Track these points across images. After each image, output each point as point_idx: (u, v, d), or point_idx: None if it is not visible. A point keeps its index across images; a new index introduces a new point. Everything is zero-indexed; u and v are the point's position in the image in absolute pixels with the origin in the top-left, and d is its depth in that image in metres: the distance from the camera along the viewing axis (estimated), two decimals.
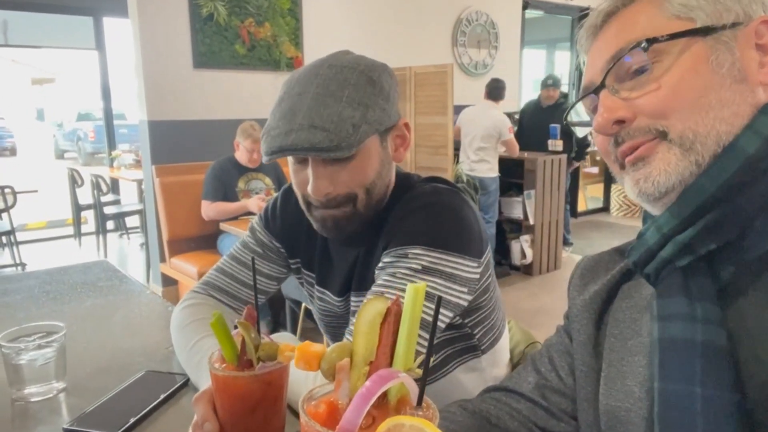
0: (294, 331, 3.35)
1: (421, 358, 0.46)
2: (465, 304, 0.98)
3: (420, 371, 0.45)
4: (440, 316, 0.94)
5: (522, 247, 5.01)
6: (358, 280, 1.07)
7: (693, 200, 0.59)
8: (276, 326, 3.69)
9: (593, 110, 0.68)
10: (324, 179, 0.95)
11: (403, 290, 0.90)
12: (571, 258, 5.52)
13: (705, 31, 0.60)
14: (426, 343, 0.90)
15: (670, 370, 0.57)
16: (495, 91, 4.84)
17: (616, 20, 0.66)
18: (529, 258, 5.01)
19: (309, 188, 0.96)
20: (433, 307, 0.91)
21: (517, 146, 5.06)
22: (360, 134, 0.92)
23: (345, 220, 1.00)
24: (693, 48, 0.60)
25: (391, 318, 0.47)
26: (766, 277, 0.56)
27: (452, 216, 0.97)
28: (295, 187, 1.03)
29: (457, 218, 0.98)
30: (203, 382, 0.93)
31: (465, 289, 0.96)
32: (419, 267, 0.93)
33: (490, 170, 4.86)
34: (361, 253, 1.07)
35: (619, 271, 0.75)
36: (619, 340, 0.70)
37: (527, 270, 5.05)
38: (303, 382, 0.84)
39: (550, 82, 5.51)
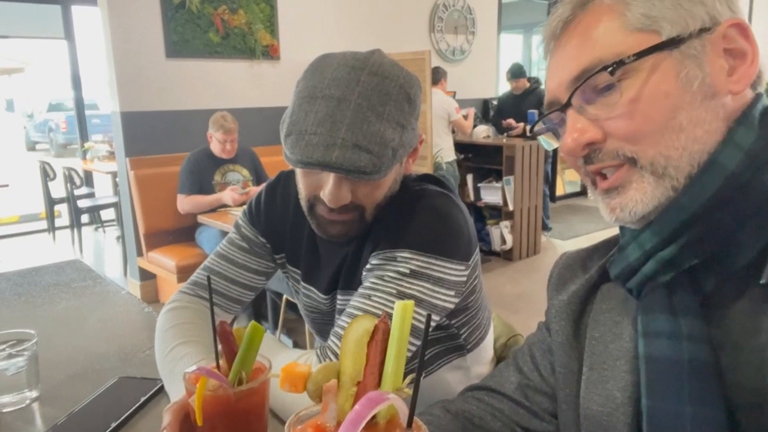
0: (275, 323, 3.33)
1: (410, 377, 0.44)
2: (452, 306, 0.98)
3: (409, 391, 0.44)
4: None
5: (502, 233, 5.04)
6: (345, 279, 1.06)
7: (675, 219, 0.57)
8: (258, 318, 3.66)
9: (560, 122, 0.66)
10: (344, 191, 0.93)
11: (390, 294, 0.91)
12: (550, 242, 5.57)
13: (672, 44, 0.57)
14: (415, 349, 0.91)
15: (658, 389, 0.57)
16: (434, 76, 4.88)
17: (576, 29, 0.62)
18: (509, 244, 5.04)
19: (326, 196, 0.93)
20: (424, 314, 0.92)
21: (466, 125, 5.08)
22: (396, 157, 0.92)
23: (349, 225, 0.98)
24: (662, 65, 0.57)
25: (379, 336, 0.45)
26: (750, 286, 0.56)
27: (441, 220, 0.97)
28: (300, 185, 1.00)
29: (446, 222, 0.97)
30: (175, 390, 0.91)
31: (452, 293, 0.96)
32: (407, 271, 0.92)
33: (447, 154, 4.90)
34: (349, 252, 1.05)
35: (597, 270, 0.74)
36: (601, 343, 0.69)
37: (507, 255, 5.08)
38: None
39: (509, 76, 5.54)
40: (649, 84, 0.57)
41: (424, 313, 0.93)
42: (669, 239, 0.58)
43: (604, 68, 0.58)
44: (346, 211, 0.96)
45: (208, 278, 0.78)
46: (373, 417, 0.42)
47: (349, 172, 0.88)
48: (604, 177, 0.62)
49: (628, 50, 0.58)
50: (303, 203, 1.01)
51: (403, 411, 0.43)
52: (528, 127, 5.36)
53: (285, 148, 0.92)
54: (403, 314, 0.44)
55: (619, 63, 0.57)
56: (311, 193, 0.97)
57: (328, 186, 0.92)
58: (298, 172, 0.99)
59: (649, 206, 0.59)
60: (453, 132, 5.10)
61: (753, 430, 0.53)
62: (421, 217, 0.96)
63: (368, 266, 0.97)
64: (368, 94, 0.90)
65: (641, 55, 0.57)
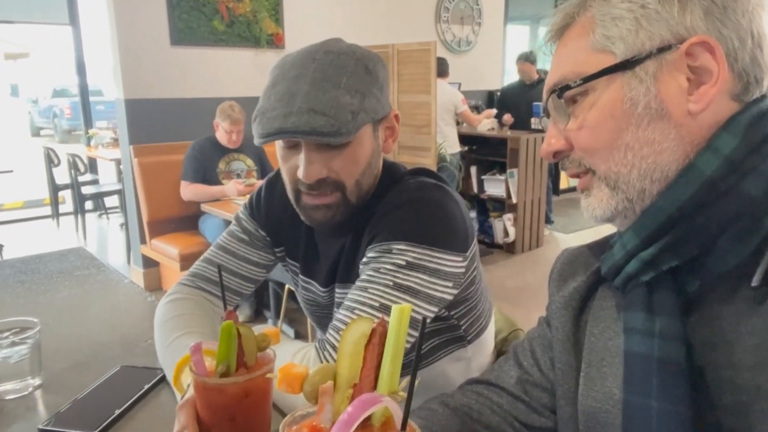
0: (278, 313, 3.35)
1: (406, 380, 0.45)
2: (450, 298, 0.98)
3: (404, 394, 0.44)
4: (425, 312, 0.95)
5: (505, 226, 5.03)
6: (343, 272, 1.07)
7: (653, 221, 0.59)
8: (260, 307, 3.68)
9: None
10: (317, 164, 0.94)
11: (387, 285, 0.91)
12: (552, 236, 5.56)
13: (623, 66, 0.59)
14: (413, 341, 0.91)
15: (632, 383, 0.59)
16: (440, 68, 4.86)
17: (561, 42, 0.66)
18: (512, 236, 5.03)
19: (300, 173, 0.95)
20: (422, 306, 0.92)
21: (473, 117, 5.07)
22: (358, 121, 0.92)
23: (334, 209, 0.99)
24: (612, 87, 0.60)
25: (376, 339, 0.45)
26: (741, 288, 0.56)
27: (437, 211, 0.97)
28: (284, 174, 1.02)
29: (441, 214, 0.97)
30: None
31: (450, 284, 0.96)
32: (403, 262, 0.92)
33: (452, 146, 4.90)
34: (346, 244, 1.06)
35: (598, 267, 0.74)
36: (600, 340, 0.70)
37: (510, 248, 5.08)
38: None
39: (521, 56, 5.52)
40: (597, 106, 0.61)
41: (422, 304, 0.93)
42: (648, 240, 0.60)
43: (552, 91, 0.64)
44: (327, 191, 0.97)
45: (219, 267, 0.79)
46: (368, 419, 0.42)
47: (306, 135, 0.89)
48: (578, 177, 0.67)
49: (586, 70, 0.61)
50: (291, 196, 1.03)
51: (398, 414, 0.43)
52: (534, 119, 5.34)
53: (253, 132, 0.96)
54: (399, 318, 0.44)
55: (564, 87, 0.62)
56: (292, 180, 0.99)
57: (302, 161, 0.94)
58: (279, 162, 1.01)
59: (607, 212, 0.64)
60: (458, 124, 5.08)
61: (740, 430, 0.54)
62: (417, 209, 0.97)
63: (365, 259, 0.98)
64: (324, 68, 0.93)
65: (590, 78, 0.61)
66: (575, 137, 0.64)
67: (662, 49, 0.58)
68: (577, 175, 0.67)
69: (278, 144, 0.99)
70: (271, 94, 0.94)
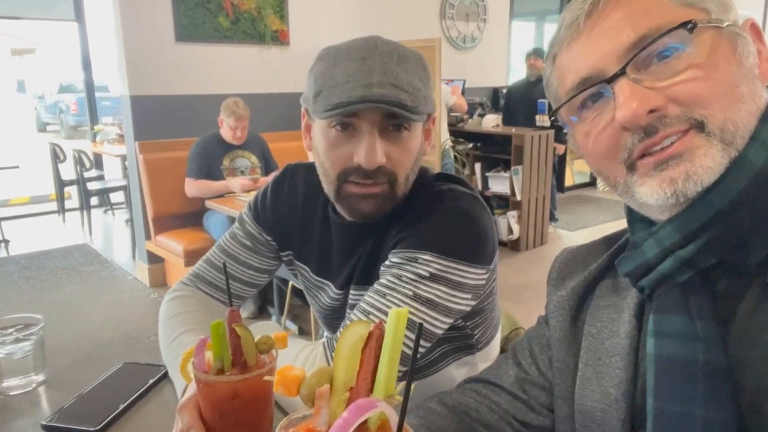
0: (281, 310, 3.36)
1: (402, 384, 0.45)
2: (467, 309, 0.96)
3: (401, 398, 0.44)
4: (439, 323, 0.93)
5: (509, 223, 5.02)
6: (360, 274, 1.04)
7: (701, 215, 0.56)
8: (264, 303, 3.69)
9: (583, 106, 0.62)
10: (380, 151, 0.91)
11: (406, 295, 0.90)
12: (556, 234, 5.55)
13: (722, 23, 0.58)
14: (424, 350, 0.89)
15: (667, 390, 0.56)
16: None
17: (617, 4, 0.59)
18: (516, 234, 5.03)
19: (361, 158, 0.90)
20: (438, 317, 0.91)
21: (464, 103, 5.08)
22: (427, 106, 0.93)
23: (381, 200, 0.95)
24: (722, 37, 0.57)
25: (373, 342, 0.45)
26: (758, 281, 0.55)
27: (469, 224, 0.95)
28: (328, 162, 0.95)
29: (473, 226, 0.95)
30: (179, 378, 0.91)
31: (469, 296, 0.95)
32: (427, 274, 0.90)
33: (447, 141, 4.89)
34: (367, 246, 1.03)
35: (597, 267, 0.74)
36: (597, 340, 0.69)
37: (514, 246, 5.07)
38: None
39: (533, 51, 5.50)
40: (717, 49, 0.57)
41: (439, 317, 0.92)
42: (690, 237, 0.57)
43: (683, 25, 0.55)
44: (379, 180, 0.93)
45: (224, 264, 0.78)
46: (364, 423, 0.42)
47: (392, 105, 0.87)
48: (651, 155, 0.58)
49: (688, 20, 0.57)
50: (330, 188, 0.97)
51: (393, 418, 0.42)
52: (538, 116, 5.32)
53: (316, 107, 0.91)
54: (396, 322, 0.44)
55: (695, 23, 0.55)
56: (342, 167, 0.94)
57: (363, 145, 0.90)
58: (325, 150, 0.95)
59: (715, 175, 0.55)
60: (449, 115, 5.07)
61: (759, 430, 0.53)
62: (448, 220, 0.94)
63: (387, 263, 0.95)
64: (389, 53, 0.91)
65: (711, 22, 0.57)
66: (686, 87, 0.56)
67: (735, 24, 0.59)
68: (666, 139, 0.56)
69: (326, 130, 0.93)
70: (334, 72, 0.90)
